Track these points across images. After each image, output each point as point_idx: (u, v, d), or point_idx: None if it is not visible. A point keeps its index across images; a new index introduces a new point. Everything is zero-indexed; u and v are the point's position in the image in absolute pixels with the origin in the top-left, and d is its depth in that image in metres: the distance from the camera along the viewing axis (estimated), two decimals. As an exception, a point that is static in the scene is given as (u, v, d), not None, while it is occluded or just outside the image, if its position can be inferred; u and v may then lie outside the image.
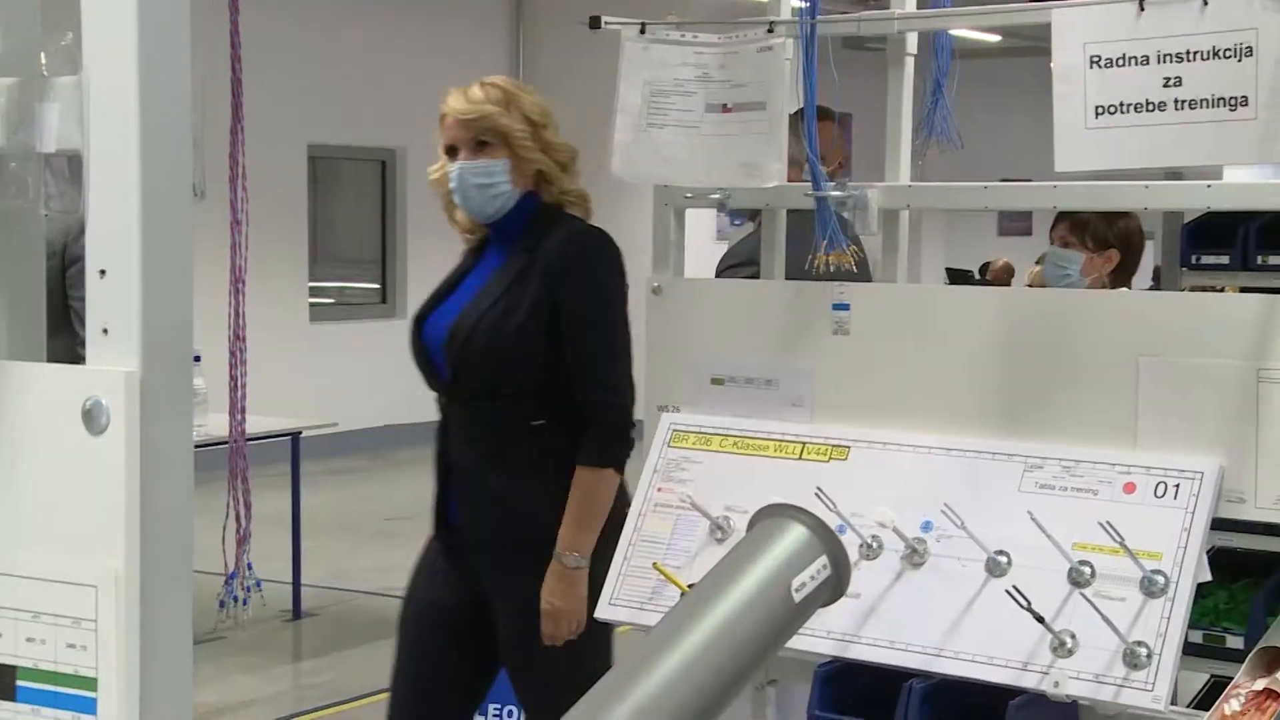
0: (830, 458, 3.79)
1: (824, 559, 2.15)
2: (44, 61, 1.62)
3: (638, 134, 4.12)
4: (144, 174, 1.51)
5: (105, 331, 1.53)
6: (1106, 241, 5.56)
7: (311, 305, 17.20)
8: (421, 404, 5.71)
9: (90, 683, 1.53)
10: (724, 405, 3.99)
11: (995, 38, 16.94)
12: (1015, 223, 22.18)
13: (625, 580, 3.85)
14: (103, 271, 1.53)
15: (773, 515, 2.20)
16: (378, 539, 7.73)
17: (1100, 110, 3.55)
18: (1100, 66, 3.56)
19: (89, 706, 1.53)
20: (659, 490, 3.94)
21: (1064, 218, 5.54)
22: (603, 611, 3.89)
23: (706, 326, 4.07)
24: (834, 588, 2.17)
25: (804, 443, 3.83)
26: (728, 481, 3.85)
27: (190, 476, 1.57)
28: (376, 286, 17.84)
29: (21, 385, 1.58)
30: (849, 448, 3.77)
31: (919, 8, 4.19)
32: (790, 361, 3.92)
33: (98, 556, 1.52)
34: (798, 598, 2.12)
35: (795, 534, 2.16)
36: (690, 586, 3.67)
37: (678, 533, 3.84)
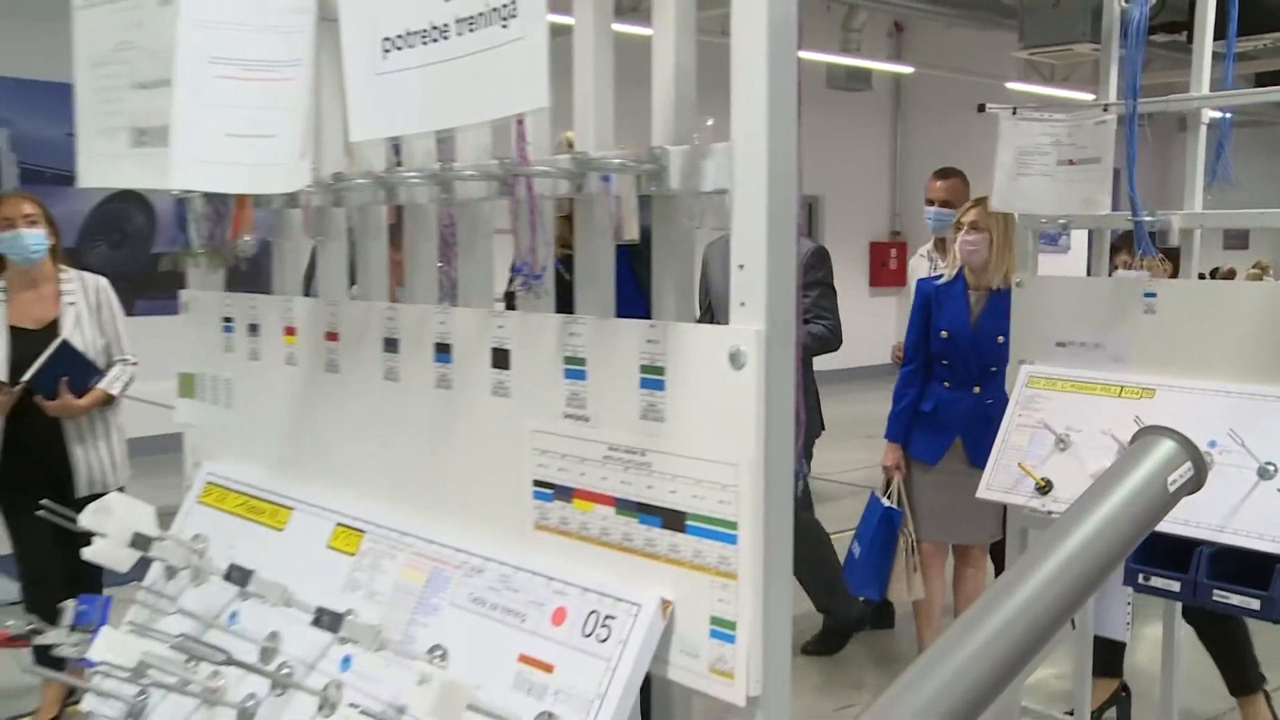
0: (1141, 396, 3.73)
1: (1189, 463, 2.10)
2: (697, 136, 1.67)
3: (1010, 181, 4.19)
4: (769, 205, 1.54)
5: (743, 304, 1.57)
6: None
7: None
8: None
9: (733, 525, 1.57)
10: (1065, 360, 4.00)
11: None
12: (1236, 240, 20.97)
13: (997, 473, 3.92)
14: (741, 266, 1.57)
15: (1151, 434, 2.15)
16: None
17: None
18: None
19: (732, 539, 1.57)
20: (1020, 416, 3.98)
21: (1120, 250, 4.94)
22: (980, 493, 3.98)
23: (1054, 307, 4.05)
24: (1195, 483, 2.12)
25: (1122, 386, 3.79)
26: (1068, 411, 3.84)
27: (792, 397, 1.61)
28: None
29: (690, 340, 1.63)
30: (1155, 389, 3.73)
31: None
32: (1113, 331, 3.91)
33: (738, 445, 1.56)
34: (1171, 489, 2.07)
35: (1168, 446, 2.11)
36: (1043, 479, 3.70)
37: (1033, 444, 3.86)
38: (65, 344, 4.87)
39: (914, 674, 1.75)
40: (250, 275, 2.62)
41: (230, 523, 2.39)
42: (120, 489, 4.93)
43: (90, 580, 4.46)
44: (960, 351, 5.20)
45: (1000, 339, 5.01)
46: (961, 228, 5.20)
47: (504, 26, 1.54)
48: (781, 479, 1.59)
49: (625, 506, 1.72)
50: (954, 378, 5.23)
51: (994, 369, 5.09)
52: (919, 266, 6.55)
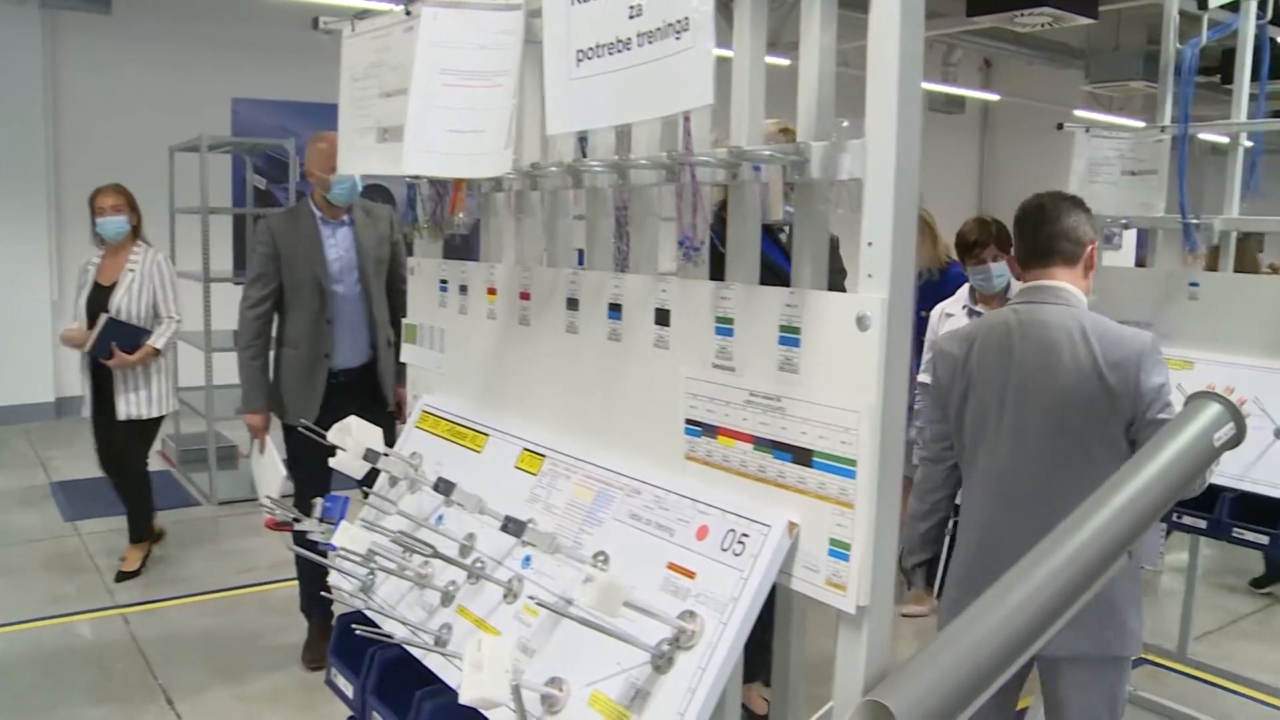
0: (1183, 367, 3.59)
1: (1232, 423, 1.92)
2: (835, 135, 1.54)
3: (1082, 186, 4.06)
4: (896, 191, 1.43)
5: (870, 276, 1.46)
6: (1009, 247, 4.23)
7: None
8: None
9: (852, 461, 1.47)
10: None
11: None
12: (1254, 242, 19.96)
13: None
14: (870, 243, 1.45)
15: (1201, 397, 1.97)
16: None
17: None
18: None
19: (851, 474, 1.47)
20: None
21: (988, 244, 4.26)
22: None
23: (1115, 292, 3.73)
24: (1236, 440, 1.94)
25: (1168, 358, 3.54)
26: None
27: (907, 354, 1.49)
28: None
29: (823, 305, 1.53)
30: (1194, 362, 3.61)
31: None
32: (1162, 312, 3.74)
33: (861, 395, 1.45)
34: (1216, 444, 1.90)
35: (1215, 408, 1.93)
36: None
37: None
38: (110, 320, 5.04)
39: (997, 591, 1.63)
40: (460, 248, 2.56)
41: (439, 444, 2.33)
42: (159, 418, 5.28)
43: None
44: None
45: (922, 314, 4.66)
46: None
47: (677, 38, 1.43)
48: (895, 425, 1.47)
49: (762, 443, 1.61)
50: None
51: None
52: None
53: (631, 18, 1.51)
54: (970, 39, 10.88)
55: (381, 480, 2.38)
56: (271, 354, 4.21)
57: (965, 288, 4.37)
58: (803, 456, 1.54)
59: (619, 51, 1.54)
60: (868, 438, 1.45)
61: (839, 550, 1.49)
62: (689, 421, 1.73)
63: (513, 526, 1.72)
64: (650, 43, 1.48)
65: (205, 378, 6.66)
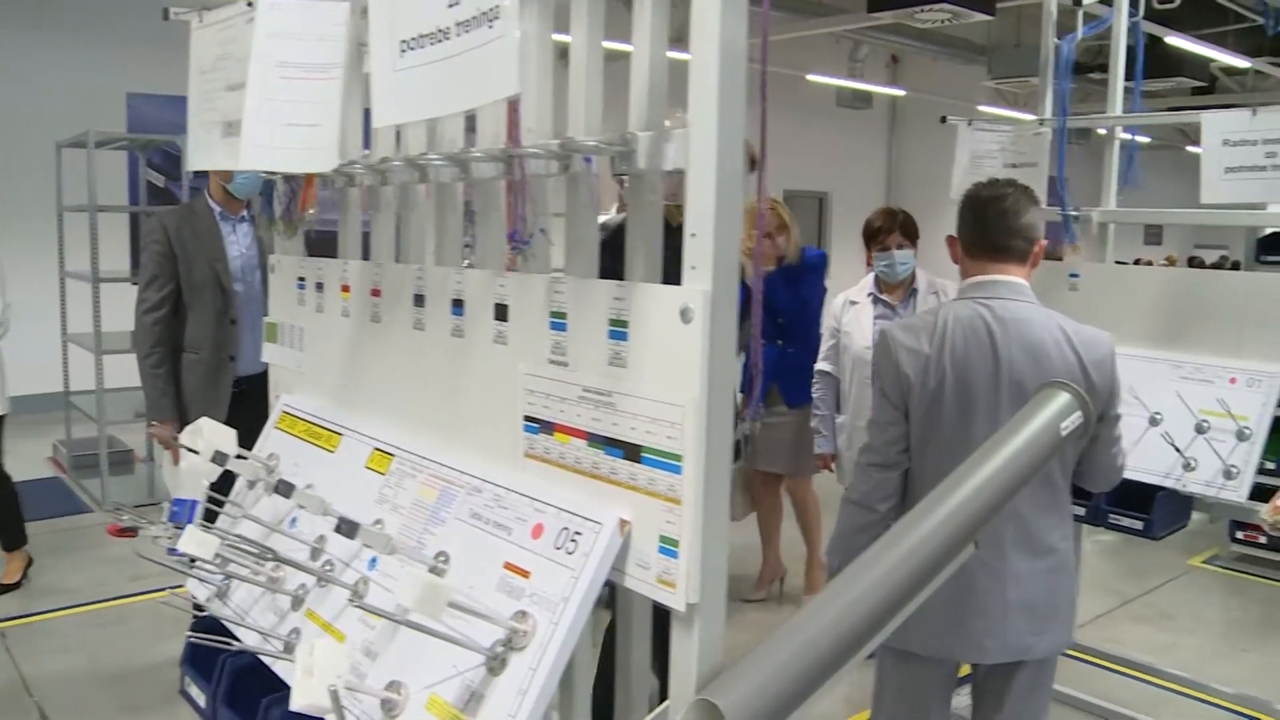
0: None
1: (1079, 413, 1.93)
2: (668, 123, 1.52)
3: (965, 178, 4.11)
4: (718, 182, 1.41)
5: (694, 268, 1.44)
6: (915, 237, 4.29)
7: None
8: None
9: (678, 456, 1.45)
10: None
11: (1145, 139, 15.56)
12: (1153, 236, 20.49)
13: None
14: (694, 234, 1.44)
15: (1051, 387, 1.98)
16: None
17: (1229, 169, 3.52)
18: (1230, 145, 3.53)
19: (677, 469, 1.46)
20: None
21: (893, 230, 4.26)
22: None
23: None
24: (1084, 430, 1.95)
25: None
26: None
27: (733, 348, 1.48)
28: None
29: (648, 297, 1.51)
30: None
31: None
32: (1043, 303, 3.68)
33: (685, 389, 1.44)
34: (1064, 433, 1.91)
35: (1063, 398, 1.94)
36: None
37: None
38: None
39: (840, 584, 1.62)
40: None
41: (296, 445, 2.28)
42: (2, 416, 4.96)
43: None
44: (765, 312, 4.72)
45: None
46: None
47: (490, 27, 1.41)
48: (721, 419, 1.45)
49: (595, 440, 1.58)
50: (763, 334, 4.53)
51: (781, 321, 4.65)
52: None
53: (450, 6, 1.48)
54: (875, 35, 10.99)
55: (240, 483, 2.33)
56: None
57: (870, 276, 4.37)
58: (633, 452, 1.52)
59: (439, 41, 1.51)
60: (693, 433, 1.44)
61: (668, 547, 1.48)
62: (528, 419, 1.71)
63: (346, 527, 1.68)
64: (467, 32, 1.45)
65: (96, 381, 6.48)
